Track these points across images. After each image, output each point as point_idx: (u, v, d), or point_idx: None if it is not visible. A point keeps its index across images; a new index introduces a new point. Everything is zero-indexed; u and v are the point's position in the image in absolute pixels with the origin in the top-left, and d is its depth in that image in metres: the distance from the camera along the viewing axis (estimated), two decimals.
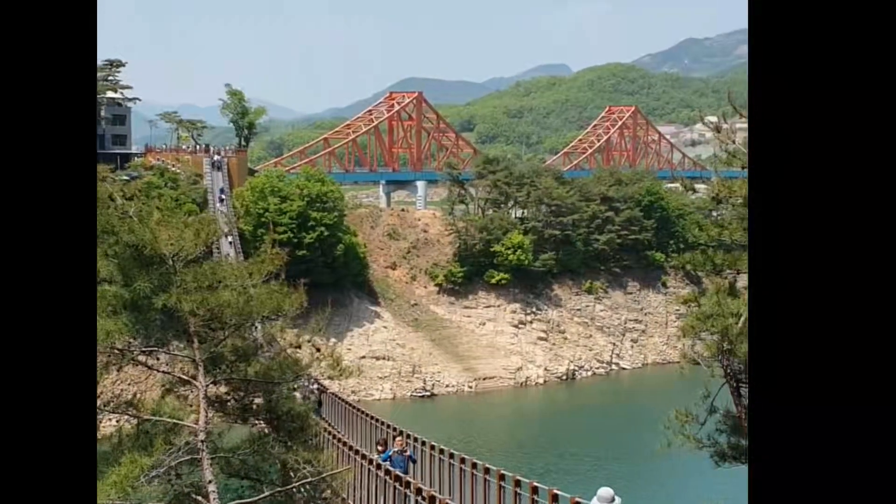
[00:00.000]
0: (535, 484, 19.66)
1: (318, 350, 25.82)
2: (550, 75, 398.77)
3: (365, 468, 25.32)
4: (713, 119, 15.08)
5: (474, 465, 23.10)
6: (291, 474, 18.14)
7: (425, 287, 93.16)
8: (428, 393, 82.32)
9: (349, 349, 79.73)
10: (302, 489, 18.11)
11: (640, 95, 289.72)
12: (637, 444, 58.06)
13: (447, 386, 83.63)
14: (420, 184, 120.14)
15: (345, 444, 29.02)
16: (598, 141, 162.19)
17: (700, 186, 20.73)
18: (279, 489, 17.90)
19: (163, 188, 78.71)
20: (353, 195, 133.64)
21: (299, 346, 26.02)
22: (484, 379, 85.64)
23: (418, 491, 21.41)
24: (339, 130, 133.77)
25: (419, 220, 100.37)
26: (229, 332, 17.74)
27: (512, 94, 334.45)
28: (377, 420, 33.11)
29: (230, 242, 69.56)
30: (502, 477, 21.21)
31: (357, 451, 27.37)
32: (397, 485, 22.30)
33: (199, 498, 16.55)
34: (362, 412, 35.83)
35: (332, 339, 79.15)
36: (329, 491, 20.12)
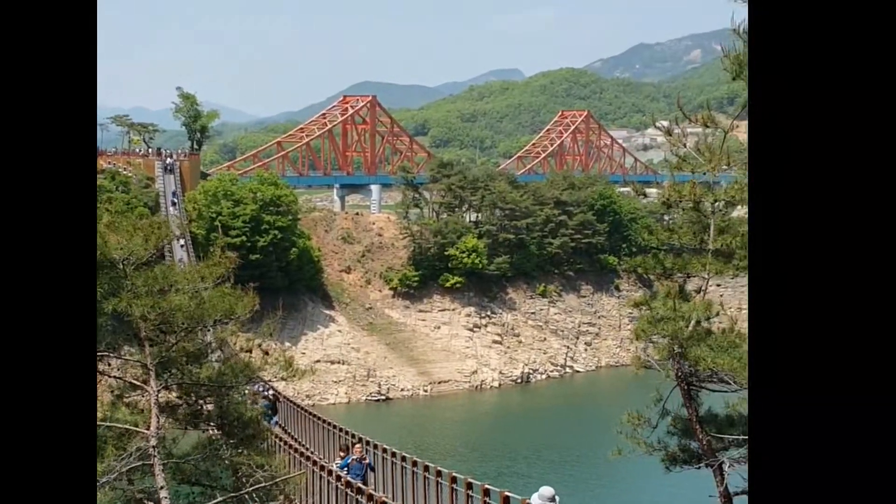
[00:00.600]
0: (488, 486, 19.68)
1: (266, 353, 25.59)
2: (503, 80, 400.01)
3: (317, 474, 25.19)
4: (664, 123, 15.22)
5: (427, 469, 23.06)
6: (244, 480, 18.04)
7: (380, 291, 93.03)
8: (383, 397, 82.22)
9: (304, 353, 79.37)
10: (254, 494, 18.00)
11: (592, 100, 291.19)
12: (590, 447, 58.45)
13: (402, 390, 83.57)
14: (374, 187, 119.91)
15: (296, 449, 28.85)
16: (552, 145, 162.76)
17: (651, 191, 20.94)
18: (231, 494, 17.78)
19: (114, 192, 77.71)
20: (306, 199, 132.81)
21: (251, 351, 25.87)
22: (439, 382, 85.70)
23: (370, 497, 21.35)
24: (292, 134, 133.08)
25: (373, 223, 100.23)
26: (181, 336, 17.59)
27: (465, 99, 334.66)
28: (332, 425, 32.91)
29: (182, 246, 68.96)
30: (455, 480, 21.19)
31: (309, 457, 27.22)
32: (349, 490, 22.22)
33: None
34: (317, 417, 35.60)
35: (287, 343, 78.80)
36: (282, 496, 20.02)
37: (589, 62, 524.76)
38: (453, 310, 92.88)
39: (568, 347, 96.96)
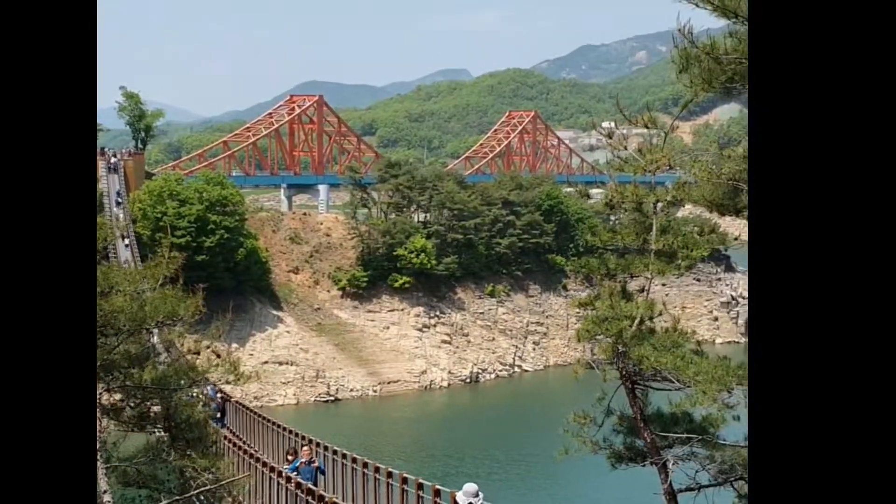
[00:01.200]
0: (438, 487, 19.78)
1: (218, 356, 25.44)
2: (451, 80, 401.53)
3: (265, 475, 25.06)
4: (607, 125, 15.39)
5: (377, 470, 23.09)
6: (190, 482, 17.90)
7: (328, 291, 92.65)
8: (332, 398, 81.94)
9: (251, 354, 78.84)
10: (201, 497, 17.88)
11: (539, 100, 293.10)
12: (538, 446, 58.76)
13: (351, 390, 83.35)
14: (322, 187, 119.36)
15: (245, 451, 28.66)
16: (499, 145, 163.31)
17: (596, 191, 21.16)
18: (177, 498, 17.64)
19: None
20: (253, 199, 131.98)
21: (198, 353, 25.66)
22: (388, 383, 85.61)
23: (321, 498, 21.31)
24: (238, 133, 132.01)
25: (321, 224, 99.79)
26: (123, 338, 17.40)
27: (413, 99, 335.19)
28: (281, 427, 32.72)
29: (127, 246, 68.16)
30: (405, 480, 21.24)
31: (258, 459, 27.07)
32: (299, 492, 22.16)
33: None
34: (266, 419, 35.38)
35: (234, 345, 78.19)
36: (230, 499, 19.91)
37: (536, 63, 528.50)
38: (402, 310, 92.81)
39: (516, 347, 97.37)
